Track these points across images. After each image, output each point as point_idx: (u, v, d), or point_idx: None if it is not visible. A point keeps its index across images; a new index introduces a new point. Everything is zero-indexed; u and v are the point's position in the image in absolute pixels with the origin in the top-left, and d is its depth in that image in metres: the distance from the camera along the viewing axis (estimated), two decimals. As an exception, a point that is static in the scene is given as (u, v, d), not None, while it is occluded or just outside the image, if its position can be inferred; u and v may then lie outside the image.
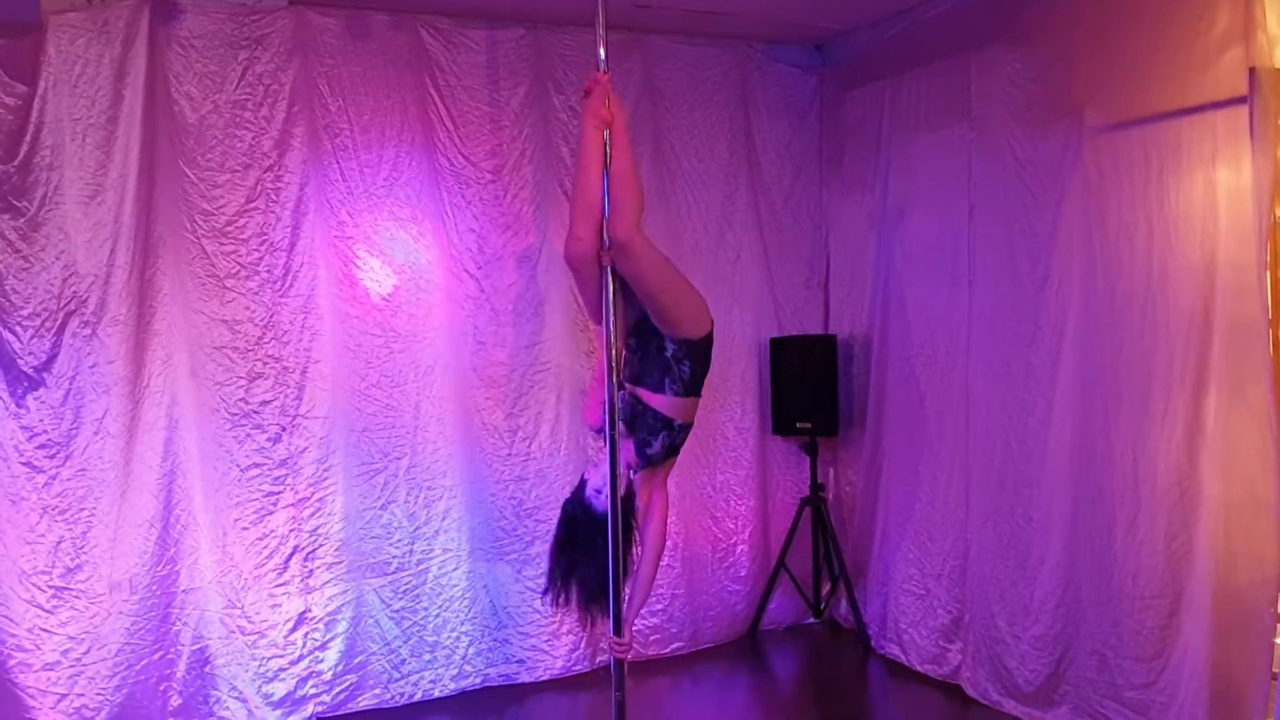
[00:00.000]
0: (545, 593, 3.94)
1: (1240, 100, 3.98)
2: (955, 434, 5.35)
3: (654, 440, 3.75)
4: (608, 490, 3.62)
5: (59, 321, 4.54)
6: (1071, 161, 4.69)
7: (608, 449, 3.63)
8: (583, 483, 3.89)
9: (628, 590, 3.79)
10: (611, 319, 3.60)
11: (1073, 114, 4.68)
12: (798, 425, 6.18)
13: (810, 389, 6.12)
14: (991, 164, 5.12)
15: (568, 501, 3.93)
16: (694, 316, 3.77)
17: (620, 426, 3.70)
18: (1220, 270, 4.09)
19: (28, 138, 4.48)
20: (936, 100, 5.53)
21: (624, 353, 3.83)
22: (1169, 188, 4.30)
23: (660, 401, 3.72)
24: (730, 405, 6.19)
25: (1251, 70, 3.93)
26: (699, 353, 3.77)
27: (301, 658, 4.99)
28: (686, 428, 3.82)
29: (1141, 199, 4.40)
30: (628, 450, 3.77)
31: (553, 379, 5.56)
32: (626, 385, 3.79)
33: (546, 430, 5.54)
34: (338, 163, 5.13)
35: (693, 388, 3.77)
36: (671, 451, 3.83)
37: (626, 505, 3.77)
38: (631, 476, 3.83)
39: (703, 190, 6.11)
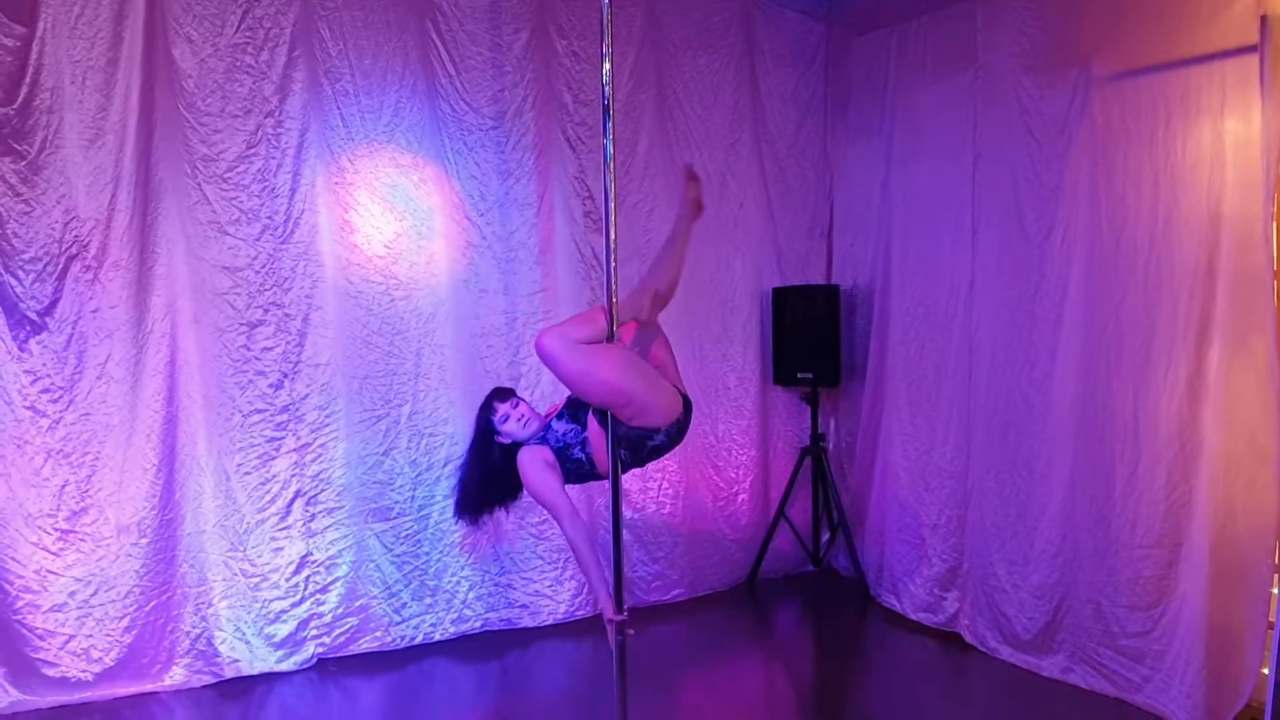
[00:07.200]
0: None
1: (1250, 49, 3.95)
2: (957, 385, 5.36)
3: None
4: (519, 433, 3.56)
5: (61, 265, 4.52)
6: (1079, 111, 4.66)
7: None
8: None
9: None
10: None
11: (1080, 63, 4.64)
12: (799, 376, 6.19)
13: (812, 339, 6.13)
14: (998, 113, 5.08)
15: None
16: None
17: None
18: (1226, 221, 4.08)
19: (27, 80, 4.44)
20: (943, 48, 5.48)
21: None
22: (1176, 138, 4.28)
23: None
24: (732, 355, 6.21)
25: (1263, 19, 3.89)
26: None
27: (303, 600, 5.03)
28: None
29: (1148, 149, 4.38)
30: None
31: (555, 327, 5.55)
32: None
33: (549, 378, 5.53)
34: (338, 108, 5.09)
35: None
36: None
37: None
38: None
39: (706, 139, 6.09)
